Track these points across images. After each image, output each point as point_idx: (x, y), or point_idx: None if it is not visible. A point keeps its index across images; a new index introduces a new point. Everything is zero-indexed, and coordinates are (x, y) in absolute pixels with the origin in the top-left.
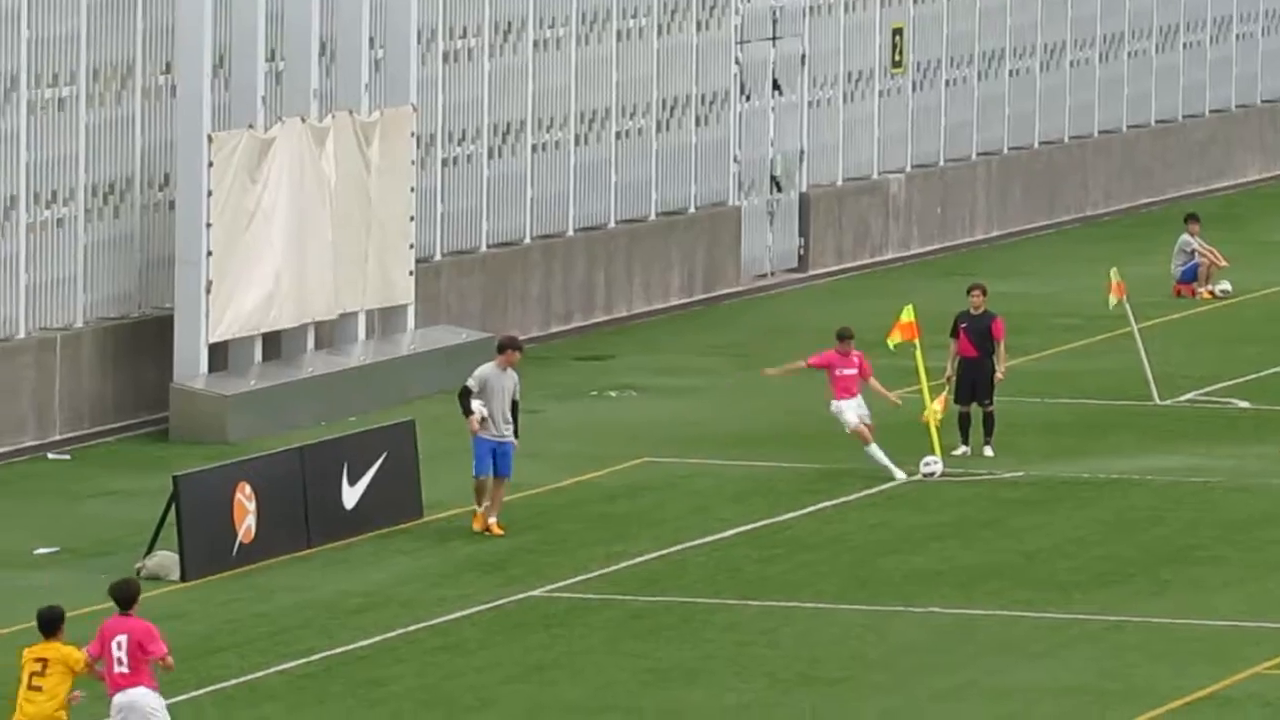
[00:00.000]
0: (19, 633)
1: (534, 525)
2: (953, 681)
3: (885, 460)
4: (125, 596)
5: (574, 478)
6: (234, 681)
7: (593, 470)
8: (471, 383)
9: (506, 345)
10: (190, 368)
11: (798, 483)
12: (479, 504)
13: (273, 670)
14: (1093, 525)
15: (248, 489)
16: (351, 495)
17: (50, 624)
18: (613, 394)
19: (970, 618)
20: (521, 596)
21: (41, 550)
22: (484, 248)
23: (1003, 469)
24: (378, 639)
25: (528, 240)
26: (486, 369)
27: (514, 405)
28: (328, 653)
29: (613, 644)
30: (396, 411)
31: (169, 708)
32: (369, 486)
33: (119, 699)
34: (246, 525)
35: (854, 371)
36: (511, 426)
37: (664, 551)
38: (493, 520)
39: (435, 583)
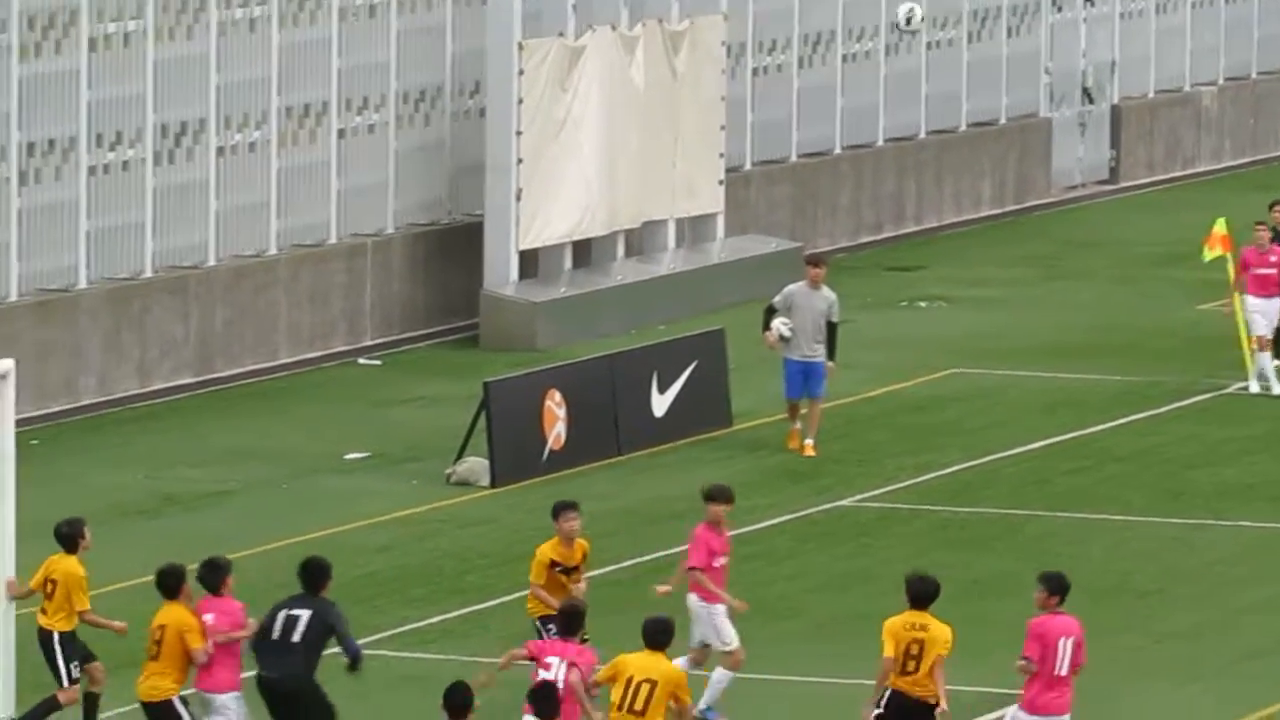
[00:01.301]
0: (331, 536)
1: (843, 435)
2: (1264, 594)
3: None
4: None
5: (883, 388)
6: None
7: (901, 381)
8: (777, 300)
9: (808, 262)
10: (500, 275)
11: (1106, 395)
12: (793, 422)
13: None
14: None
15: (558, 396)
16: (661, 403)
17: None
18: (922, 305)
19: None
20: (830, 506)
21: (352, 455)
22: (793, 158)
23: None
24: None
25: (837, 150)
26: (795, 288)
27: (830, 326)
28: (637, 560)
29: (921, 554)
30: (706, 320)
31: (489, 610)
32: (679, 395)
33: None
34: (556, 432)
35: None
36: (822, 347)
37: (972, 463)
38: (808, 441)
39: (744, 491)
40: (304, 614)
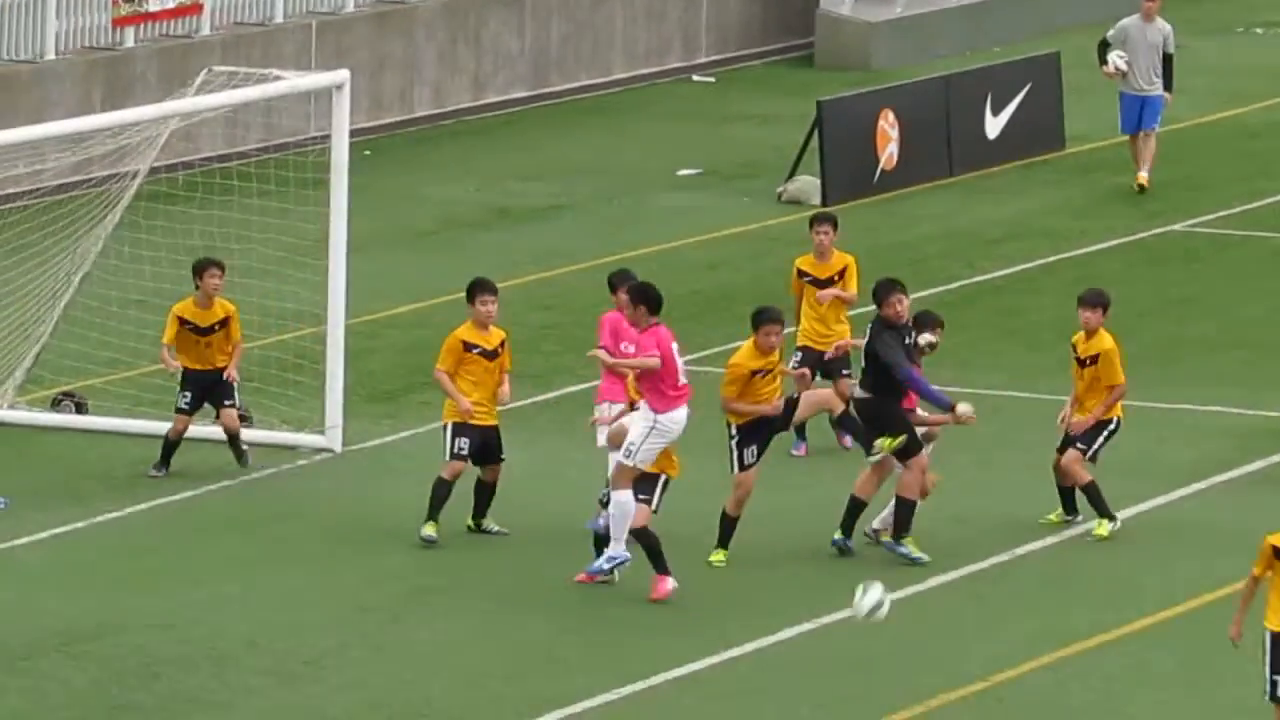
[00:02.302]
0: (661, 252)
1: (1176, 160)
2: None
3: None
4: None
5: (1218, 114)
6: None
7: (1237, 107)
8: (1111, 34)
9: None
10: None
11: None
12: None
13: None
14: None
15: (891, 116)
16: (995, 125)
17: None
18: (1259, 31)
19: None
20: (1162, 230)
21: (684, 172)
22: None
23: None
24: (1018, 268)
25: None
26: (1129, 21)
27: (1166, 58)
28: (967, 281)
29: (1253, 280)
30: (1041, 42)
31: None
32: (1012, 116)
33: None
34: (889, 152)
35: None
36: (1160, 81)
37: None
38: (1142, 174)
39: (1077, 214)
40: None
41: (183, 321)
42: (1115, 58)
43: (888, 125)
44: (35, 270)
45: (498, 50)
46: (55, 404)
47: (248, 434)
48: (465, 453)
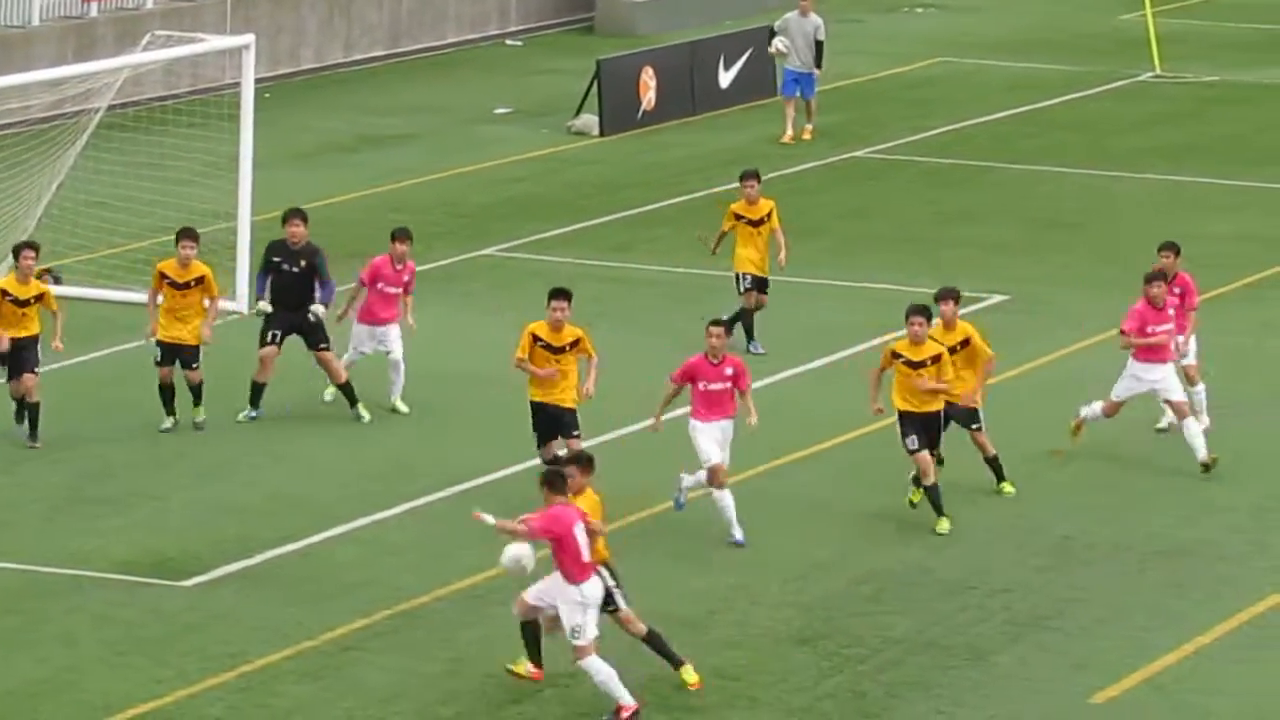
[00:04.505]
0: (482, 169)
1: (859, 105)
2: (1165, 234)
3: None
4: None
5: (885, 71)
6: (639, 210)
7: (899, 66)
8: (777, 24)
9: None
10: None
11: (1057, 79)
12: (787, 113)
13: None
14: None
15: (650, 70)
16: (726, 78)
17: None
18: (919, 10)
19: (1178, 183)
20: (847, 156)
21: (500, 110)
22: None
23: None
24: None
25: None
26: (790, 15)
27: (818, 44)
28: (707, 191)
29: (914, 192)
30: (761, 17)
31: (595, 226)
32: (739, 72)
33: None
34: (649, 97)
35: None
36: (813, 61)
37: (953, 126)
38: (789, 132)
39: (785, 148)
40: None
41: (163, 276)
42: (778, 42)
43: (648, 78)
44: (23, 179)
45: (364, 20)
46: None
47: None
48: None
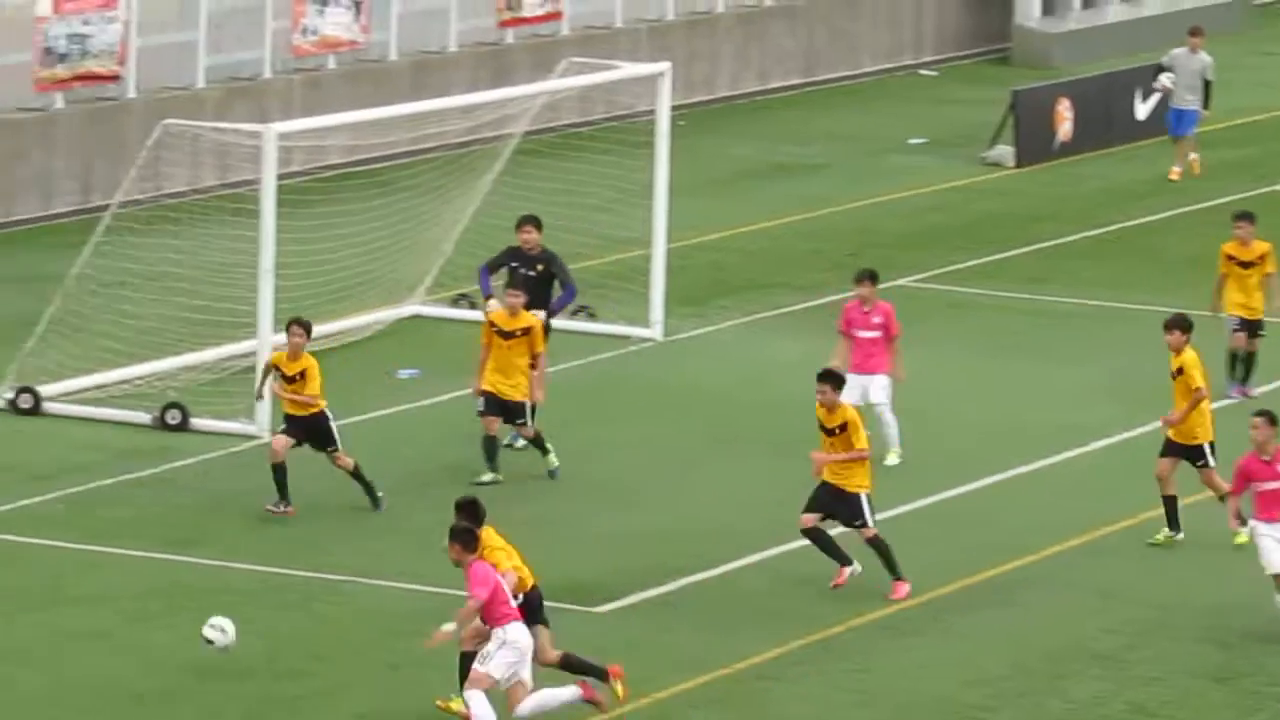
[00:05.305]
0: (899, 199)
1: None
2: None
3: None
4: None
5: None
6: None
7: None
8: (1165, 59)
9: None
10: (1027, 10)
11: None
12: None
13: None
14: None
15: (1066, 102)
16: (1143, 110)
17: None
18: None
19: None
20: (1267, 190)
21: (914, 140)
22: None
23: None
24: (1159, 216)
25: None
26: (1179, 50)
27: (1206, 83)
28: (1123, 224)
29: None
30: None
31: (1010, 258)
32: (1156, 104)
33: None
34: (1065, 128)
35: None
36: (1196, 99)
37: None
38: (1175, 169)
39: (1200, 179)
40: None
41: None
42: (1164, 78)
43: (1064, 109)
44: (440, 204)
45: (778, 48)
46: (454, 303)
47: (592, 327)
48: None
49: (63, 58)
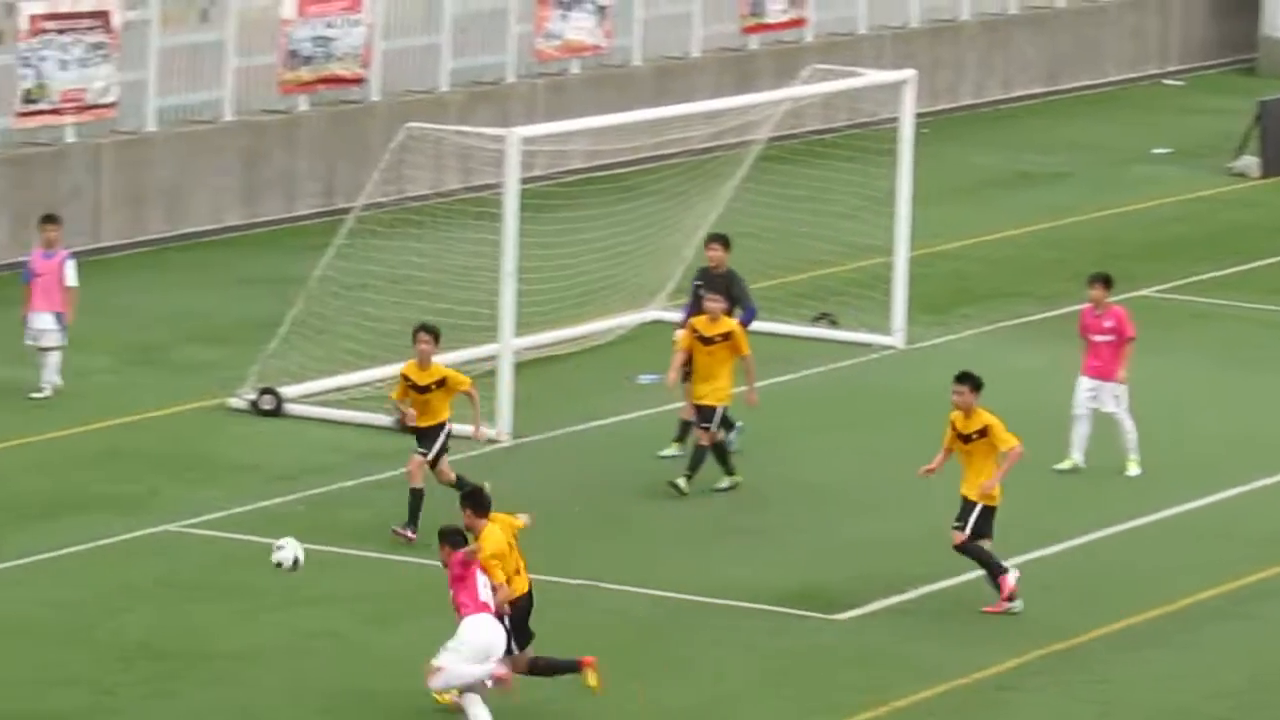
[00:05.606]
0: (1143, 209)
1: None
2: None
3: None
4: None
5: None
6: None
7: None
8: None
9: None
10: (1275, 21)
11: None
12: None
13: None
14: None
15: None
16: None
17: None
18: None
19: None
20: None
21: (1158, 150)
22: None
23: None
24: None
25: None
26: None
27: None
28: None
29: None
30: None
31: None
32: None
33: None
34: None
35: None
36: None
37: None
38: None
39: None
40: None
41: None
42: None
43: None
44: (683, 209)
45: (1022, 56)
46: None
47: (834, 335)
48: None
49: (307, 60)
